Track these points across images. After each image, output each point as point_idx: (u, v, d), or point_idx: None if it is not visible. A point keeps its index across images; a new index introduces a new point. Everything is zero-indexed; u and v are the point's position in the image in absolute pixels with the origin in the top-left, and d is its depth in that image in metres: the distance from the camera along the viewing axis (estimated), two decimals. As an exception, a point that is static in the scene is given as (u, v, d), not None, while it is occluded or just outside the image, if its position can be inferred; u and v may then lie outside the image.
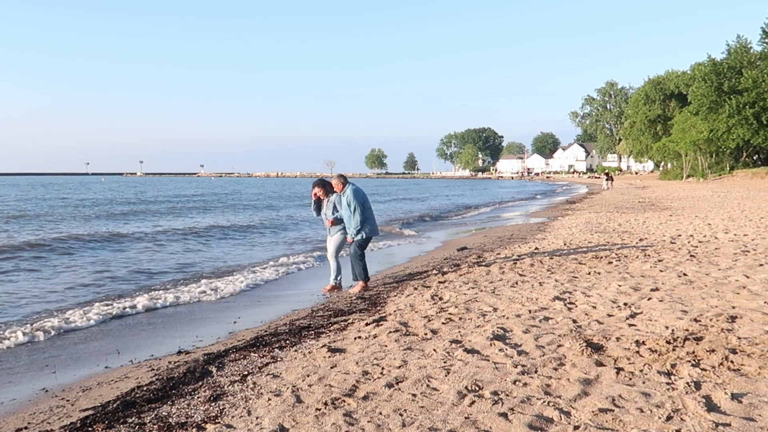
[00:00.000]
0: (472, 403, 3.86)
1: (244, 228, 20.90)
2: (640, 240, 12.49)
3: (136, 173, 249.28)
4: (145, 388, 4.67)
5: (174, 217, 27.45)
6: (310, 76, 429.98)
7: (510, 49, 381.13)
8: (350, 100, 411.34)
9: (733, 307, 6.10)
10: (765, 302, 6.26)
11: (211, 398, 4.29)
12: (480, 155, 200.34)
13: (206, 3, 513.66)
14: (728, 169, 59.13)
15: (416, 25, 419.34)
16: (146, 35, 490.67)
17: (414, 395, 4.05)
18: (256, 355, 5.41)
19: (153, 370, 5.33)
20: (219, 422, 3.83)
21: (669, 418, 3.50)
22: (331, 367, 4.78)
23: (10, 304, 8.66)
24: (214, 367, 5.08)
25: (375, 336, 5.69)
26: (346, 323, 6.49)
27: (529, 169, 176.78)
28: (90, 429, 3.94)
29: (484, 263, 10.22)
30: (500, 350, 4.94)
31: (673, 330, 5.33)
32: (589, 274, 8.59)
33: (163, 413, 4.09)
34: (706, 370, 4.27)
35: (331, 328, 6.35)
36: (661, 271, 8.55)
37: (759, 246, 10.79)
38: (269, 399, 4.16)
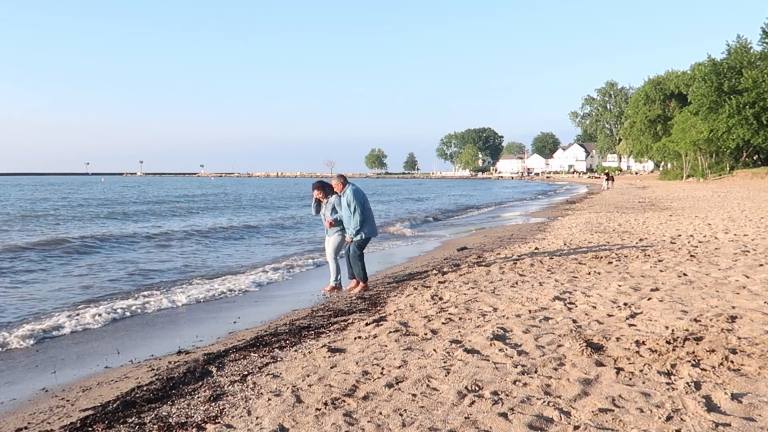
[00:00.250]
0: (472, 403, 3.86)
1: (244, 228, 20.89)
2: (640, 240, 12.49)
3: (136, 173, 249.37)
4: (145, 388, 4.67)
5: (174, 217, 27.45)
6: (310, 76, 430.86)
7: (510, 49, 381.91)
8: (350, 100, 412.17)
9: (733, 307, 6.10)
10: (765, 302, 6.26)
11: (211, 398, 4.29)
12: (480, 155, 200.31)
13: (206, 3, 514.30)
14: (728, 169, 59.12)
15: (416, 25, 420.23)
16: (146, 35, 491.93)
17: (414, 395, 4.05)
18: (256, 355, 5.41)
19: (153, 370, 5.33)
20: (219, 422, 3.83)
21: (669, 418, 3.50)
22: (331, 367, 4.78)
23: (11, 304, 8.66)
24: (214, 367, 5.08)
25: (375, 336, 5.69)
26: (346, 323, 6.49)
27: (529, 169, 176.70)
28: (90, 429, 3.94)
29: (484, 263, 10.22)
30: (500, 350, 4.94)
31: (673, 330, 5.33)
32: (589, 274, 8.59)
33: (163, 413, 4.09)
34: (706, 370, 4.27)
35: (331, 328, 6.35)
36: (661, 271, 8.55)
37: (759, 246, 10.79)
38: (269, 399, 4.16)
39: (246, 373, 4.87)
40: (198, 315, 7.99)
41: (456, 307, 6.76)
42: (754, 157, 62.06)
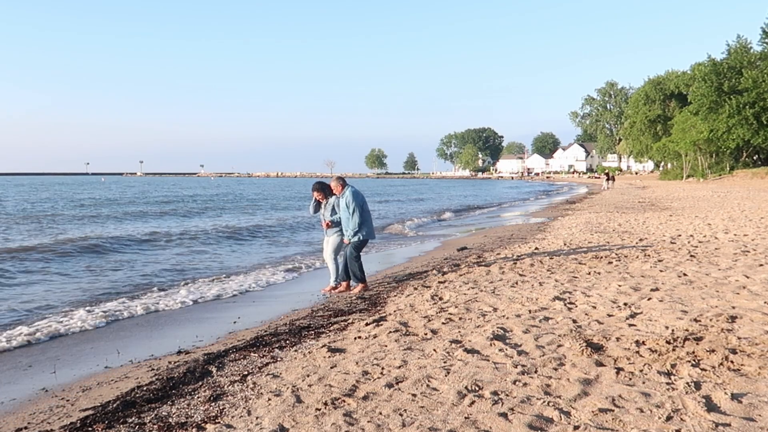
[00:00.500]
0: (472, 403, 3.86)
1: (244, 229, 20.87)
2: (640, 240, 12.49)
3: (136, 173, 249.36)
4: (145, 388, 4.67)
5: (174, 218, 27.44)
6: (310, 76, 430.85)
7: (510, 49, 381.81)
8: (350, 100, 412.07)
9: (733, 307, 6.10)
10: (765, 302, 6.26)
11: (211, 398, 4.29)
12: (480, 155, 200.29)
13: (206, 3, 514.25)
14: (728, 169, 59.11)
15: (416, 25, 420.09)
16: (146, 35, 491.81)
17: (414, 395, 4.05)
18: (256, 355, 5.41)
19: (153, 370, 5.33)
20: (219, 422, 3.83)
21: (669, 418, 3.50)
22: (331, 367, 4.78)
23: (10, 304, 8.66)
24: (214, 367, 5.08)
25: (375, 336, 5.69)
26: (346, 323, 6.49)
27: (529, 169, 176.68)
28: (90, 429, 3.94)
29: (484, 263, 10.23)
30: (500, 350, 4.94)
31: (673, 330, 5.33)
32: (589, 274, 8.59)
33: (163, 413, 4.09)
34: (706, 370, 4.27)
35: (331, 328, 6.35)
36: (661, 271, 8.55)
37: (759, 246, 10.79)
38: (269, 399, 4.16)
39: (246, 373, 4.87)
40: (198, 315, 7.99)
41: (456, 307, 6.76)
42: (754, 157, 62.06)
